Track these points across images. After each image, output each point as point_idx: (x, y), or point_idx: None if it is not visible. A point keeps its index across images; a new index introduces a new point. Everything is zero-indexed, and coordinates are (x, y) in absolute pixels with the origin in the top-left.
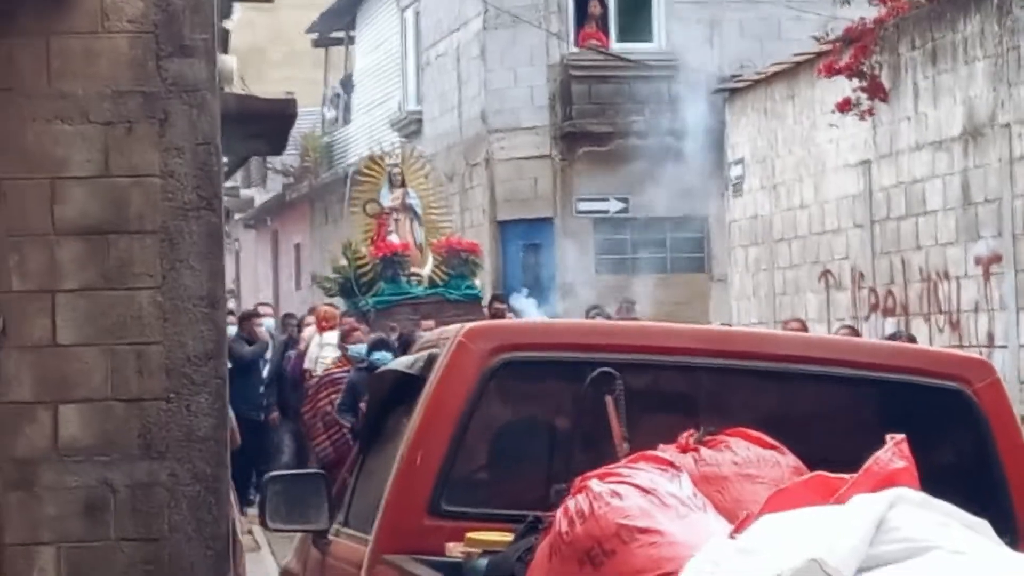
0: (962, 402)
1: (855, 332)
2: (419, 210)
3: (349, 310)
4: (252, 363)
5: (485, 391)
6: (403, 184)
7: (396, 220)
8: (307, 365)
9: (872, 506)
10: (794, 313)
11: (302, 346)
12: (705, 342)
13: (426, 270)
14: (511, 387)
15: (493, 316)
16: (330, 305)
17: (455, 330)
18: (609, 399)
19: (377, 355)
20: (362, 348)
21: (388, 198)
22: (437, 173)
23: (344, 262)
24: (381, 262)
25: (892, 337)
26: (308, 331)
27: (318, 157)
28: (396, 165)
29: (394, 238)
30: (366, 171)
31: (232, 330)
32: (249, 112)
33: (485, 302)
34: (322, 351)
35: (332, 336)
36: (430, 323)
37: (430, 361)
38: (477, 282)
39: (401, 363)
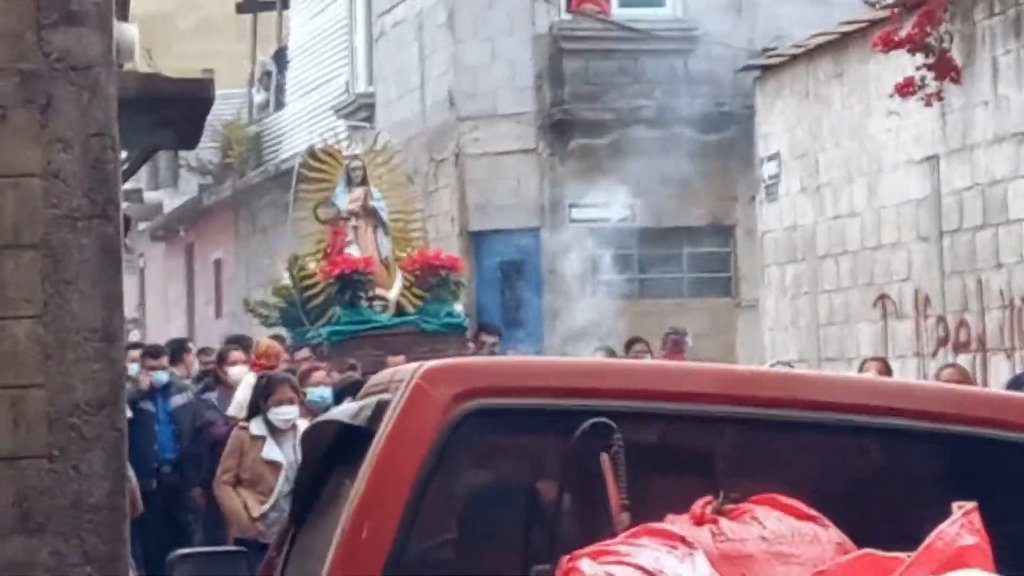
0: None
1: (965, 377)
2: (385, 216)
3: (296, 344)
4: (136, 412)
5: (448, 447)
6: (365, 182)
7: (355, 228)
8: (232, 412)
9: None
10: (843, 348)
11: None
12: (727, 386)
13: (393, 293)
14: (481, 442)
15: (480, 351)
16: (276, 338)
17: (410, 370)
18: (605, 457)
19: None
20: (325, 392)
21: (345, 200)
22: (407, 168)
23: (288, 281)
24: (337, 282)
25: (1018, 380)
26: (236, 370)
27: (244, 152)
28: (357, 158)
29: (353, 251)
30: (317, 165)
31: (134, 368)
32: (155, 95)
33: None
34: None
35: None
36: (400, 359)
37: (379, 409)
38: (459, 308)
39: (343, 412)
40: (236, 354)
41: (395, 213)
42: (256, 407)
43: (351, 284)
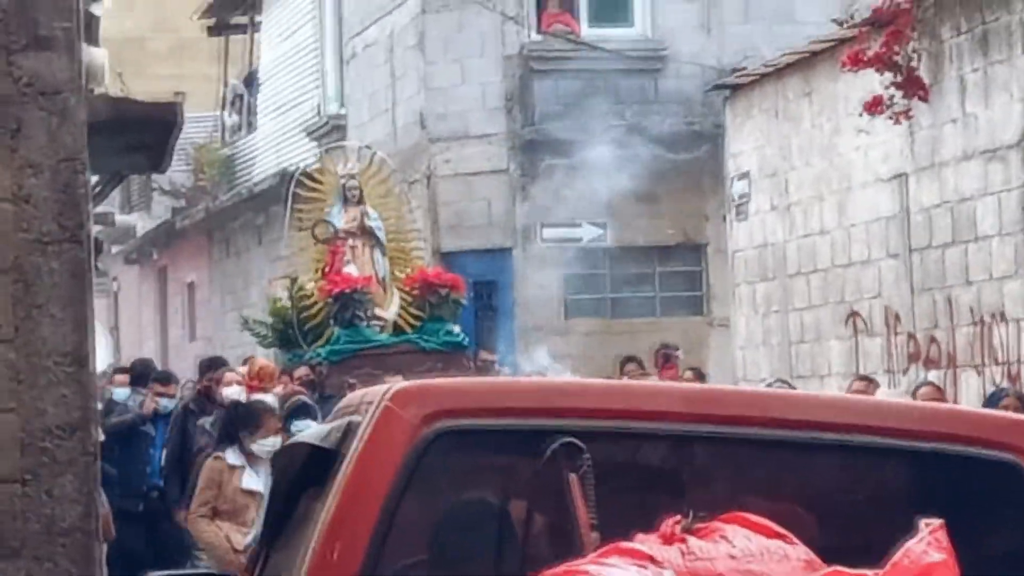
0: (1016, 477)
1: (941, 395)
2: (382, 235)
3: (293, 364)
4: (129, 437)
5: (418, 468)
6: (361, 201)
7: (352, 248)
8: None
9: None
10: (814, 365)
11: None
12: (694, 404)
13: (390, 312)
14: (450, 463)
15: (481, 371)
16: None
17: (379, 392)
18: (573, 477)
19: (298, 424)
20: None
21: (342, 219)
22: (403, 187)
23: (285, 302)
24: (335, 301)
25: (995, 397)
26: (230, 391)
27: (216, 174)
28: (353, 176)
29: (352, 270)
30: (311, 184)
31: (122, 393)
32: (126, 119)
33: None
34: None
35: (271, 399)
36: (398, 379)
37: (348, 431)
38: (456, 328)
39: (312, 434)
40: (231, 375)
41: (390, 233)
42: (232, 435)
43: (351, 303)
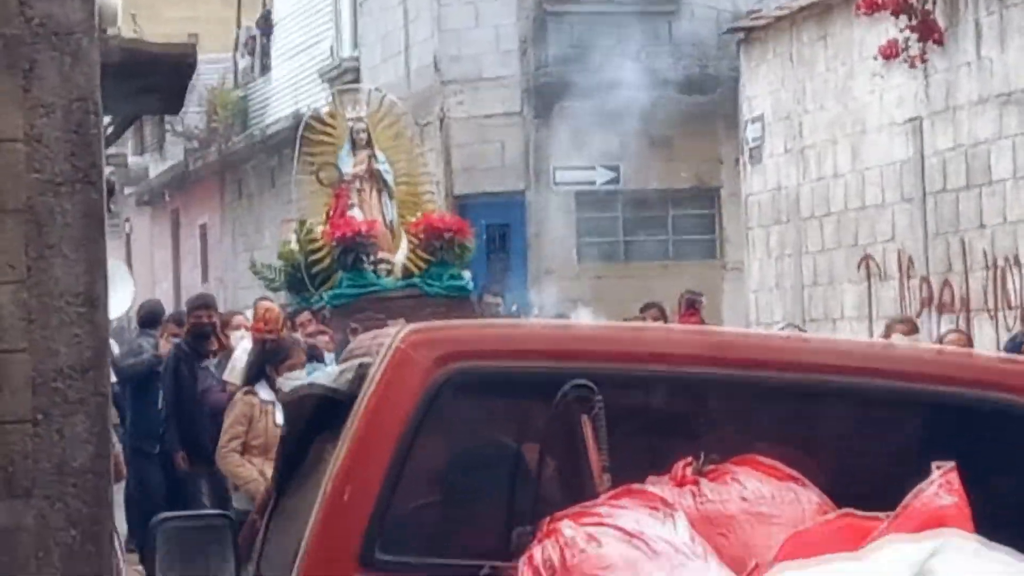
0: None
1: (969, 343)
2: (390, 179)
3: (295, 308)
4: (147, 379)
5: (430, 411)
6: (369, 145)
7: (359, 192)
8: (228, 377)
9: (912, 554)
10: (827, 309)
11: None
12: (706, 348)
13: (399, 256)
14: (463, 406)
15: (484, 313)
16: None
17: (392, 334)
18: (586, 419)
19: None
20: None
21: (350, 163)
22: (415, 130)
23: (294, 245)
24: (339, 245)
25: (1015, 341)
26: (236, 336)
27: (229, 117)
28: (361, 119)
29: (356, 214)
30: (320, 127)
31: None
32: (139, 60)
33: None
34: None
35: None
36: (401, 323)
37: (361, 374)
38: (465, 272)
39: (324, 377)
40: (239, 319)
41: (401, 176)
42: (261, 372)
43: (354, 247)
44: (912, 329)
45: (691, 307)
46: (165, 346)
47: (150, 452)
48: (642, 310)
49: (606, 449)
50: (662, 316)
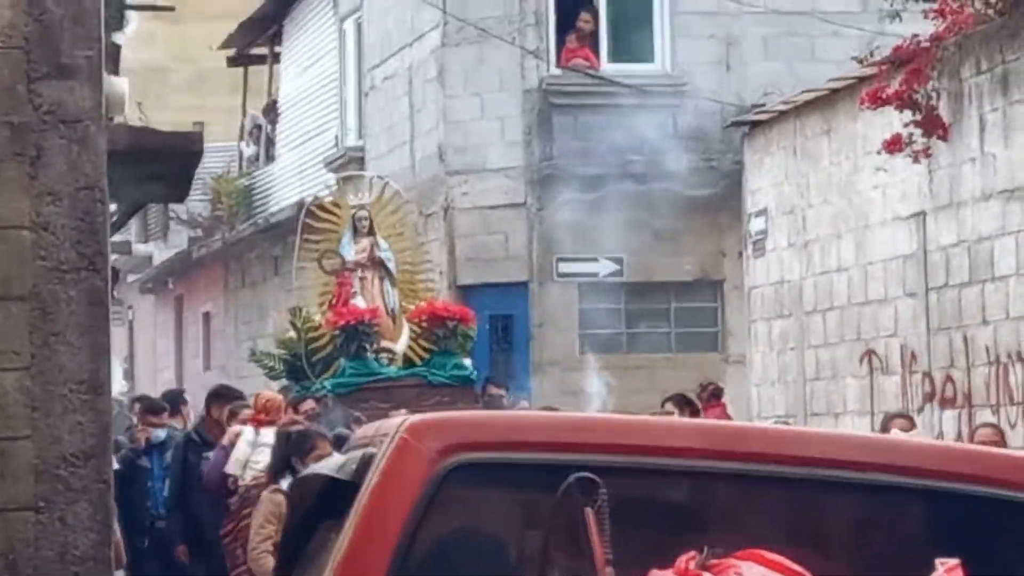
0: None
1: (1002, 437)
2: (392, 267)
3: (300, 396)
4: (130, 472)
5: (434, 501)
6: (372, 232)
7: (361, 279)
8: (231, 470)
9: None
10: (829, 403)
11: (226, 441)
12: (712, 441)
13: (400, 345)
14: (466, 496)
15: (489, 406)
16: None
17: (395, 424)
18: (589, 512)
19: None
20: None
21: (352, 250)
22: (415, 218)
23: (292, 334)
24: (343, 333)
25: None
26: (238, 426)
27: (233, 204)
28: (364, 207)
29: (359, 302)
30: (322, 215)
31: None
32: (145, 148)
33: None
34: (255, 452)
35: (273, 434)
36: (404, 413)
37: (365, 463)
38: (467, 361)
39: (329, 466)
40: (247, 412)
41: (403, 264)
42: (286, 464)
43: (357, 335)
44: (910, 424)
45: (715, 397)
46: (140, 435)
47: (139, 546)
48: (665, 402)
49: (610, 541)
50: (689, 406)
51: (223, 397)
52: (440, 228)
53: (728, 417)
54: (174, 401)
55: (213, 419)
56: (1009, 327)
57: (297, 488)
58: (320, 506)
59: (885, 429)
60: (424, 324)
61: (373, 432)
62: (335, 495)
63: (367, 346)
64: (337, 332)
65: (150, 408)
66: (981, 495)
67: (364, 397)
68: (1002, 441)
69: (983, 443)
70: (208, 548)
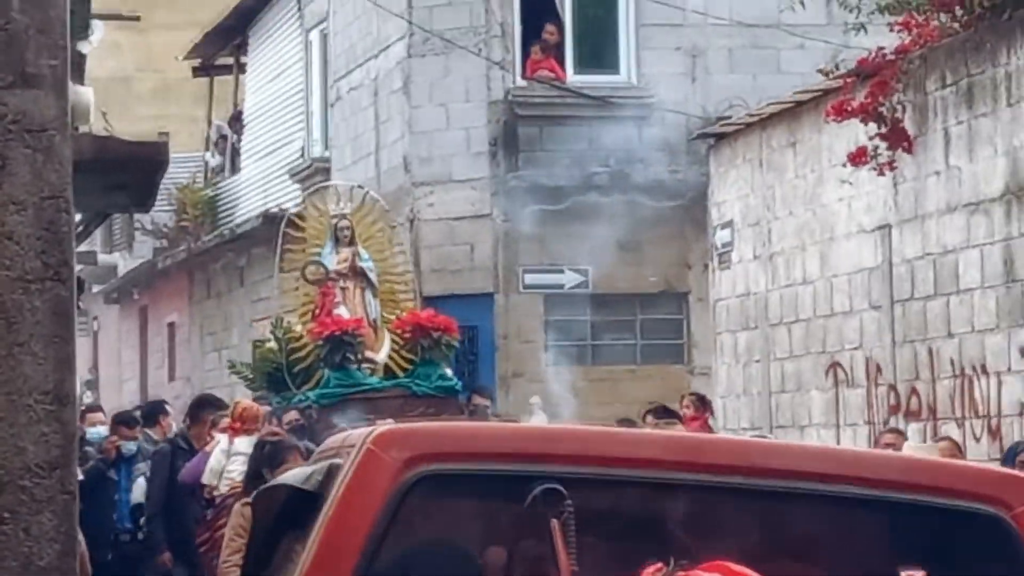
0: (999, 530)
1: (958, 450)
2: (374, 277)
3: (282, 406)
4: (96, 484)
5: (399, 512)
6: (352, 242)
7: (343, 289)
8: (206, 479)
9: None
10: (795, 416)
11: (209, 447)
12: (676, 452)
13: (381, 355)
14: (431, 507)
15: (474, 416)
16: (264, 400)
17: (361, 435)
18: (555, 523)
19: None
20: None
21: (333, 260)
22: (396, 229)
23: (272, 344)
24: (326, 343)
25: (1012, 451)
26: (218, 436)
27: (199, 215)
28: (345, 216)
29: (343, 312)
30: (303, 224)
31: (98, 432)
32: (110, 158)
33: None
34: (230, 462)
35: (247, 443)
36: (390, 423)
37: (330, 474)
38: (450, 372)
39: (294, 476)
40: (226, 420)
41: (384, 274)
42: (258, 476)
43: (342, 345)
44: (900, 439)
45: (704, 405)
46: (111, 447)
47: (102, 561)
48: (646, 414)
49: (575, 552)
50: (670, 416)
51: (211, 405)
52: (406, 239)
53: (709, 430)
54: (154, 412)
55: (201, 426)
56: (974, 340)
57: (262, 499)
58: (285, 517)
59: (878, 445)
60: (408, 335)
61: (339, 443)
62: (300, 506)
63: (351, 356)
64: (321, 343)
65: (123, 420)
66: (945, 507)
67: (348, 407)
68: (959, 454)
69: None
70: (193, 555)
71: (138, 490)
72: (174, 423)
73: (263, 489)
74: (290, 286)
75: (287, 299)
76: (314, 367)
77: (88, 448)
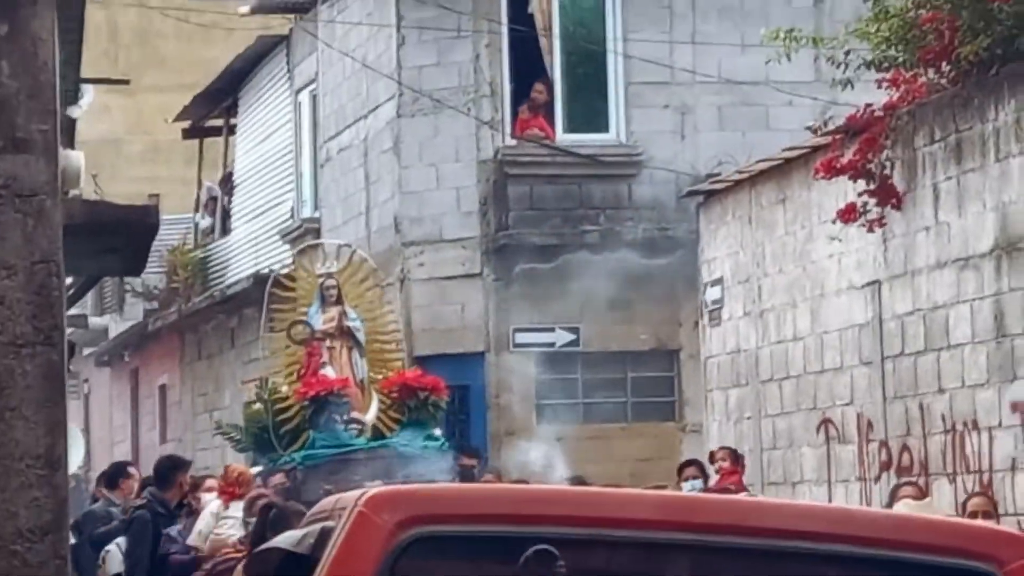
0: None
1: (993, 507)
2: (361, 336)
3: (269, 469)
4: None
5: (392, 574)
6: (340, 302)
7: (330, 349)
8: (193, 541)
9: None
10: (786, 472)
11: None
12: (671, 512)
13: (370, 415)
14: (424, 569)
15: (462, 477)
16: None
17: (353, 497)
18: None
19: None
20: None
21: (320, 320)
22: (386, 288)
23: (258, 405)
24: (312, 403)
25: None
26: (208, 498)
27: (189, 277)
28: (331, 275)
29: (329, 372)
30: (289, 283)
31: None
32: (101, 221)
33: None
34: (220, 526)
35: (238, 508)
36: (377, 485)
37: (323, 537)
38: (439, 432)
39: (287, 540)
40: (210, 481)
41: (371, 334)
42: (263, 541)
43: (327, 406)
44: (920, 493)
45: (737, 459)
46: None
47: None
48: (681, 468)
49: None
50: (703, 474)
51: (180, 466)
52: (396, 299)
53: (742, 486)
54: (116, 475)
55: (177, 488)
56: (965, 395)
57: (255, 563)
58: None
59: (893, 500)
60: (395, 395)
61: (331, 505)
62: (293, 570)
63: (337, 417)
64: (306, 403)
65: (142, 481)
66: (938, 565)
67: (334, 469)
68: (993, 511)
69: (974, 512)
70: None
71: (113, 560)
72: (135, 485)
73: (256, 553)
74: (277, 346)
75: (275, 360)
76: (300, 428)
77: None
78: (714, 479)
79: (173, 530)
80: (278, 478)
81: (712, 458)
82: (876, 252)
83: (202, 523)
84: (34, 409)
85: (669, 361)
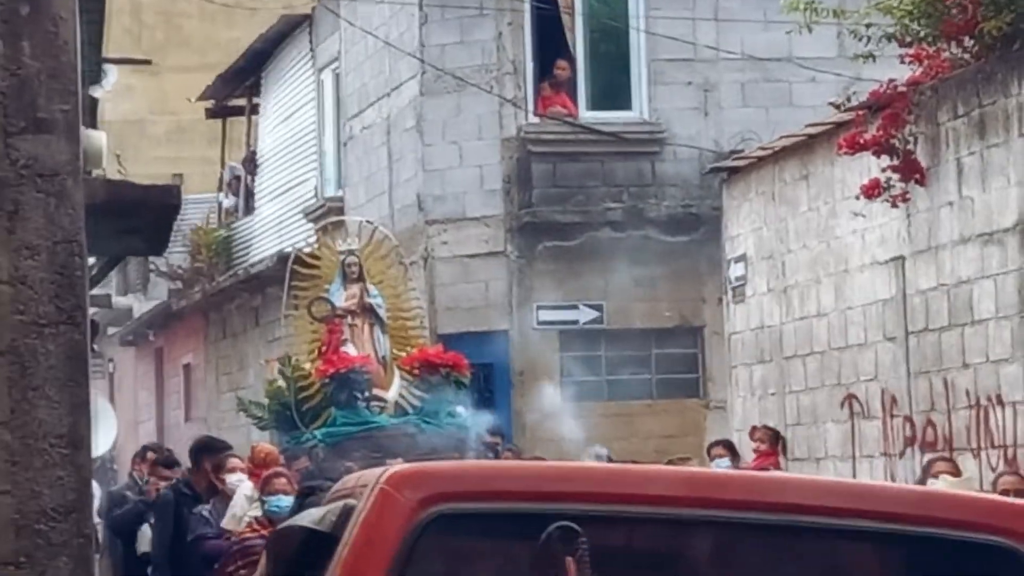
0: (1011, 562)
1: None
2: (383, 313)
3: (292, 450)
4: (131, 527)
5: (414, 551)
6: (361, 279)
7: (352, 326)
8: (227, 525)
9: None
10: (811, 448)
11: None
12: (691, 488)
13: (391, 393)
14: (447, 547)
15: (484, 454)
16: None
17: (375, 475)
18: (570, 561)
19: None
20: (284, 501)
21: (341, 297)
22: (405, 265)
23: (281, 383)
24: (333, 381)
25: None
26: (233, 478)
27: (213, 256)
28: (353, 253)
29: (350, 349)
30: (312, 261)
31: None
32: (123, 201)
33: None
34: (252, 507)
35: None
36: (399, 462)
37: (345, 514)
38: (461, 409)
39: (309, 517)
40: (234, 461)
41: (393, 311)
42: None
43: (348, 383)
44: (955, 468)
45: (776, 440)
46: (153, 490)
47: None
48: (711, 447)
49: None
50: (731, 453)
51: (211, 449)
52: (420, 277)
53: (779, 468)
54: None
55: (203, 471)
56: (989, 370)
57: (276, 541)
58: (300, 559)
59: (927, 476)
60: (416, 371)
61: (353, 483)
62: (315, 547)
63: (358, 394)
64: (328, 381)
65: (163, 462)
66: (960, 539)
67: (355, 447)
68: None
69: (1006, 491)
70: None
71: (143, 539)
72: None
73: (277, 530)
74: (299, 324)
75: (297, 337)
76: (322, 405)
77: (127, 492)
78: (749, 459)
79: (204, 510)
80: (302, 461)
81: (752, 435)
82: (900, 227)
83: (236, 507)
84: (57, 389)
85: (693, 338)
